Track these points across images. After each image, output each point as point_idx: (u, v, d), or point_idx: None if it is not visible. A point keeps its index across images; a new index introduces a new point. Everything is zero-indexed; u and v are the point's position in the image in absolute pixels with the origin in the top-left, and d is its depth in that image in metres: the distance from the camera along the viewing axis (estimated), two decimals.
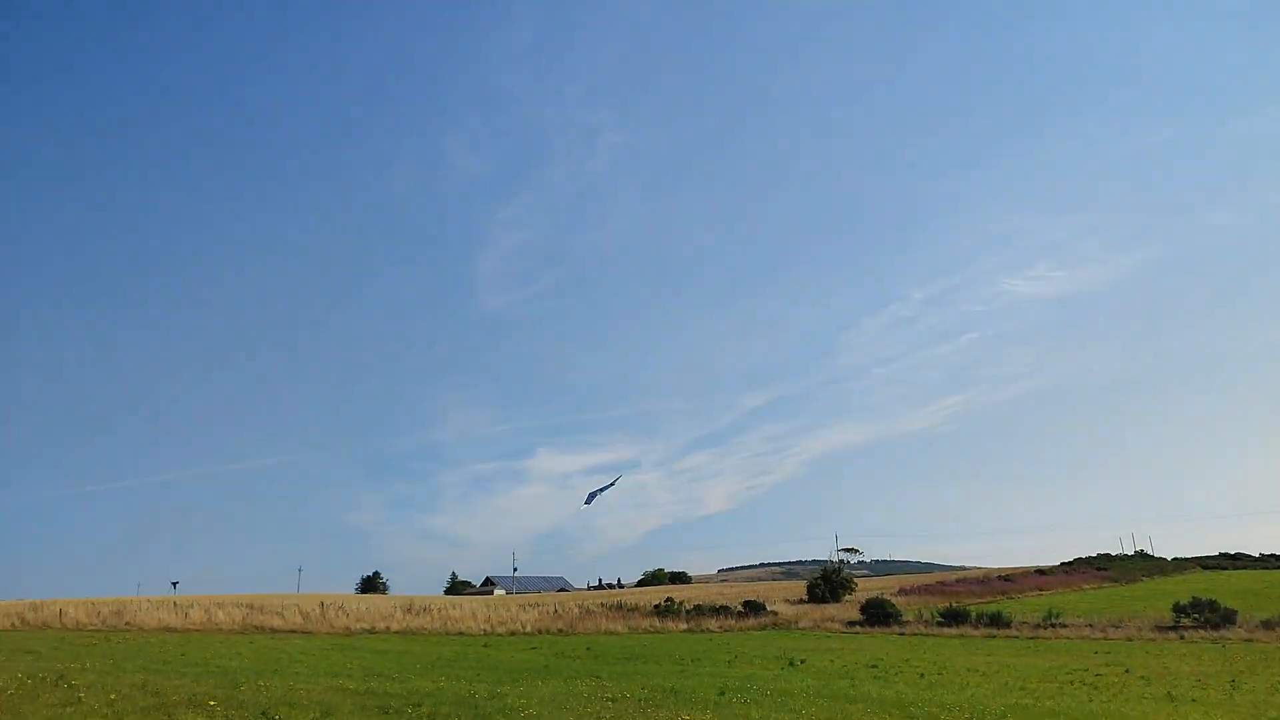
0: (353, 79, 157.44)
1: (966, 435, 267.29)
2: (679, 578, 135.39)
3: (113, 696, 13.65)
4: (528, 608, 54.85)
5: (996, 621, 43.10)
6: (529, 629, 43.13)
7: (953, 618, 44.88)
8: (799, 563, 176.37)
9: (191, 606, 41.47)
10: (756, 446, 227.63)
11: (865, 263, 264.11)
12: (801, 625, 48.06)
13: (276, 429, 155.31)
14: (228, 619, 39.02)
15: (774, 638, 40.81)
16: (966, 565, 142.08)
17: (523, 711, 13.86)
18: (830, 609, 56.19)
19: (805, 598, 65.72)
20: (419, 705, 14.04)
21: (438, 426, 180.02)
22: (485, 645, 34.16)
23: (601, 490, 37.72)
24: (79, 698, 13.44)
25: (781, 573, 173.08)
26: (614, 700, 16.11)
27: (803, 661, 27.28)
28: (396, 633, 39.89)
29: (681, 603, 55.60)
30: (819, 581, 67.29)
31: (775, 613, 53.00)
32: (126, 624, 35.33)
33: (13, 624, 33.14)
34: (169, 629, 35.37)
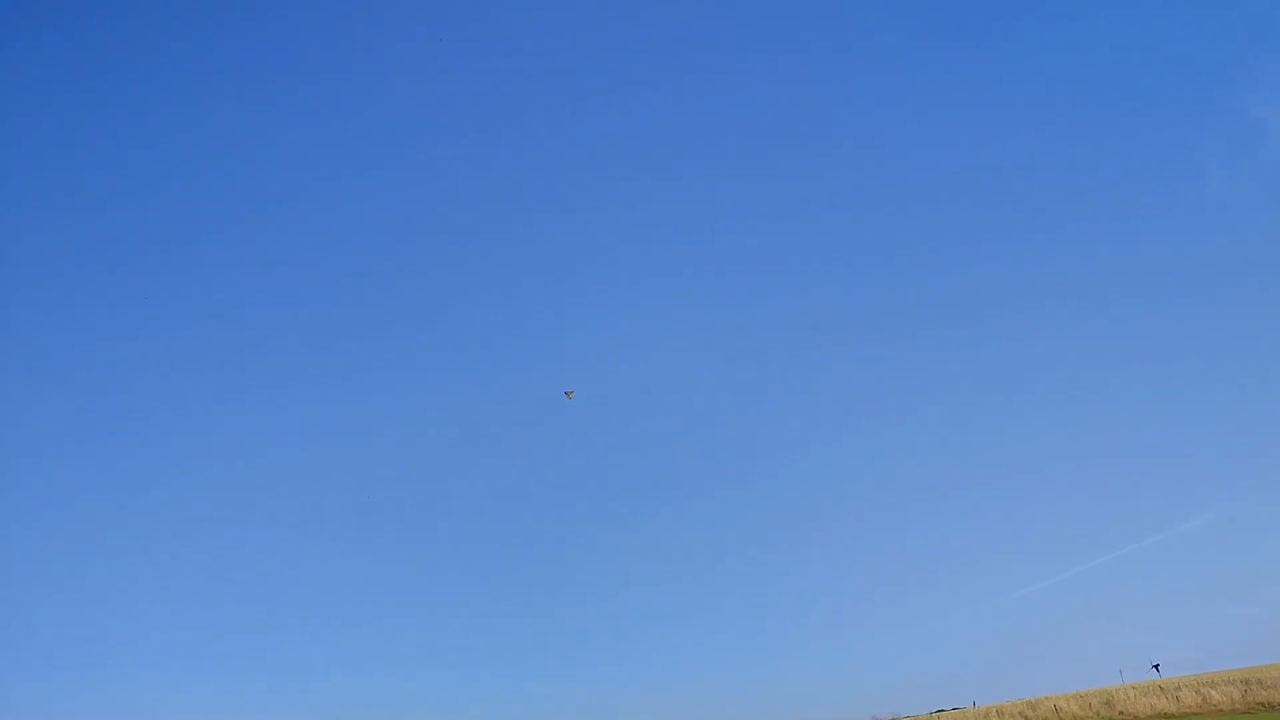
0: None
1: None
2: None
3: None
4: None
5: None
6: None
7: None
8: None
9: (1179, 689, 39.84)
10: None
11: None
12: None
13: (1194, 488, 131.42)
14: (1223, 698, 36.92)
15: None
16: None
17: None
18: None
19: None
20: None
21: None
22: None
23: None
24: None
25: None
26: None
27: None
28: None
29: None
30: None
31: None
32: (1120, 712, 36.33)
33: None
34: (1164, 714, 34.89)
